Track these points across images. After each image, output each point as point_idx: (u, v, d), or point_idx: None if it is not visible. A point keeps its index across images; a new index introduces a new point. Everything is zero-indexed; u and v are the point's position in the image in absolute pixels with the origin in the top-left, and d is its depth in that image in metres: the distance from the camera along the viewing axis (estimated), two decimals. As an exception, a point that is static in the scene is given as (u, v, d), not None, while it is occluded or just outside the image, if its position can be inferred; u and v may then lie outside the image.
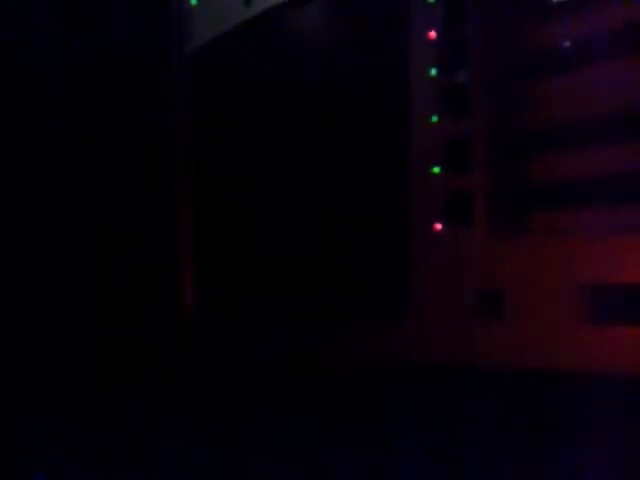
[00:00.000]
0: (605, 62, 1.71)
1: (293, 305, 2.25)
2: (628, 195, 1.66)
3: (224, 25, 2.41)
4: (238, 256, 2.47)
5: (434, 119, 1.89)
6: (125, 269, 2.69)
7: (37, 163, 2.64)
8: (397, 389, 1.96)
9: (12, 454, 2.15)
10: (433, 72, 1.89)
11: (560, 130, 1.77)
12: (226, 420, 2.24)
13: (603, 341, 1.64)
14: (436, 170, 1.89)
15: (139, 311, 2.64)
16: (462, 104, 1.85)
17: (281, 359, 2.24)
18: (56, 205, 2.67)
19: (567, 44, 1.77)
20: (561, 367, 1.69)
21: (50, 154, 2.66)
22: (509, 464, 1.76)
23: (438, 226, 1.88)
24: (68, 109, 2.66)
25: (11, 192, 2.63)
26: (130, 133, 2.68)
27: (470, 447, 1.84)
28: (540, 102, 1.80)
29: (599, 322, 1.65)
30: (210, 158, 2.58)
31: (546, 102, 1.79)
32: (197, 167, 2.63)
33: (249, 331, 2.39)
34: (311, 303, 2.20)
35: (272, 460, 2.02)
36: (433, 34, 1.89)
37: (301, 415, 2.13)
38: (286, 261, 2.29)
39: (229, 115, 2.51)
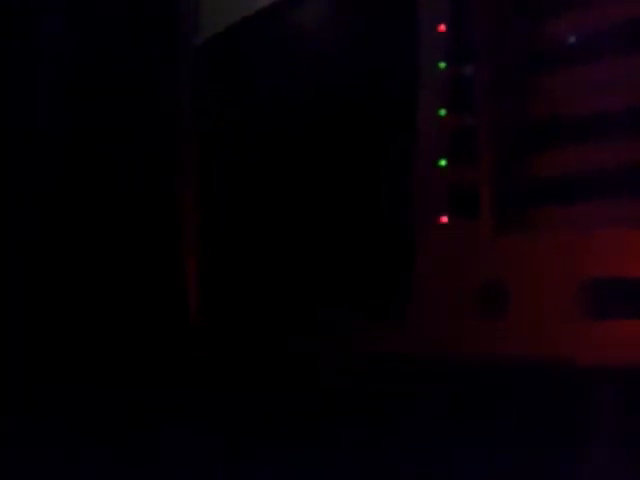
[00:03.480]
0: (609, 58, 1.71)
1: (296, 304, 2.26)
2: (633, 189, 1.67)
3: (233, 17, 2.42)
4: (242, 257, 2.47)
5: (442, 113, 1.90)
6: (129, 272, 2.68)
7: (35, 161, 2.64)
8: (400, 386, 1.96)
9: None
10: (442, 65, 1.90)
11: (565, 125, 1.77)
12: (226, 424, 2.24)
13: (605, 335, 1.64)
14: (442, 163, 1.89)
15: (143, 315, 2.63)
16: (469, 98, 1.86)
17: (284, 361, 2.24)
18: (55, 206, 2.66)
19: (572, 39, 1.78)
20: (564, 361, 1.68)
21: (50, 152, 2.65)
22: (510, 459, 1.76)
23: (443, 219, 1.89)
24: (71, 104, 2.66)
25: (11, 193, 2.63)
26: (134, 130, 2.68)
27: (472, 442, 1.84)
28: (546, 97, 1.80)
29: (602, 316, 1.65)
30: (216, 156, 2.58)
31: (552, 97, 1.79)
32: (203, 167, 2.62)
33: (253, 334, 2.39)
34: (313, 301, 2.20)
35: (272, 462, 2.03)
36: (443, 27, 1.90)
37: (303, 416, 2.13)
38: (290, 259, 2.29)
39: (236, 109, 2.51)
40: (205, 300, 2.60)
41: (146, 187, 2.69)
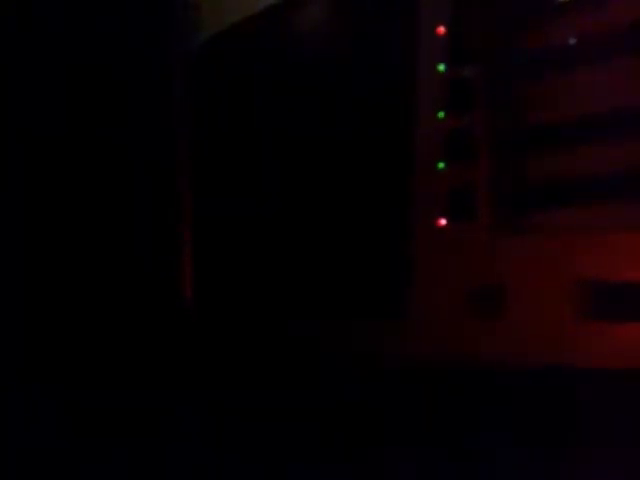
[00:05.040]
0: (610, 59, 1.72)
1: (293, 300, 2.26)
2: (631, 192, 1.67)
3: (232, 17, 2.42)
4: (238, 249, 2.47)
5: (440, 115, 1.90)
6: (122, 261, 2.67)
7: (31, 155, 2.63)
8: (397, 388, 1.97)
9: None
10: (441, 68, 1.90)
11: (564, 127, 1.78)
12: (222, 416, 2.24)
13: (604, 337, 1.65)
14: (441, 165, 1.89)
15: (137, 304, 2.63)
16: (468, 100, 1.86)
17: (280, 354, 2.24)
18: (50, 194, 2.65)
19: (571, 42, 1.78)
20: (562, 363, 1.69)
21: (46, 141, 2.65)
22: (510, 461, 1.76)
23: (442, 221, 1.89)
24: (65, 102, 2.65)
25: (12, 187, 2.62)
26: (131, 128, 2.67)
27: (472, 444, 1.84)
28: (545, 99, 1.81)
29: (600, 318, 1.66)
30: (213, 148, 2.58)
31: (551, 99, 1.80)
32: (199, 160, 2.62)
33: (248, 326, 2.38)
34: (311, 299, 2.20)
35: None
36: (442, 29, 1.90)
37: (298, 412, 2.13)
38: (286, 256, 2.29)
39: (234, 108, 2.51)
40: (201, 289, 2.59)
41: (142, 178, 2.68)
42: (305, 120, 2.24)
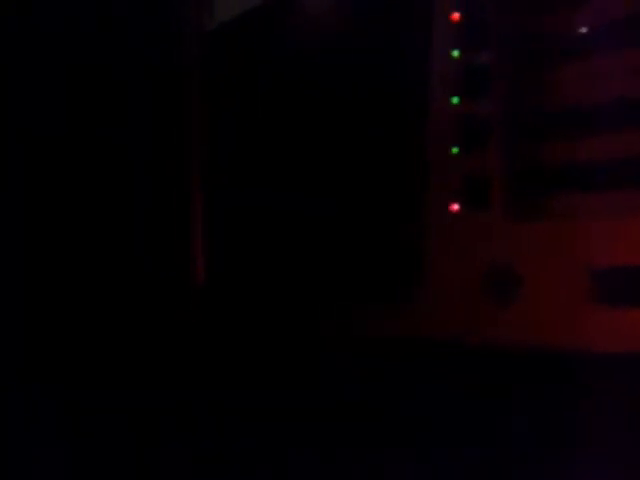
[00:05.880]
0: (623, 47, 1.72)
1: (303, 282, 2.26)
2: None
3: (246, 2, 2.41)
4: (249, 229, 2.46)
5: (455, 101, 1.90)
6: (126, 257, 2.68)
7: (31, 155, 2.63)
8: (409, 370, 1.97)
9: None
10: (456, 54, 1.91)
11: (578, 113, 1.78)
12: (226, 394, 2.25)
13: (617, 322, 1.65)
14: (455, 151, 1.90)
15: (148, 279, 2.63)
16: (483, 86, 1.87)
17: (288, 334, 2.25)
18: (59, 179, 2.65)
19: (586, 29, 1.79)
20: (575, 347, 1.69)
21: (53, 128, 2.65)
22: (520, 447, 1.77)
23: (456, 206, 1.90)
24: (66, 102, 2.65)
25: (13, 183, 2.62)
26: (140, 113, 2.67)
27: (479, 429, 1.85)
28: (559, 85, 1.81)
29: (614, 303, 1.66)
30: (224, 136, 2.57)
31: (565, 85, 1.80)
32: (211, 144, 2.61)
33: (258, 305, 2.39)
34: (322, 282, 2.20)
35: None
36: (456, 15, 1.90)
37: (304, 392, 2.14)
38: (297, 239, 2.29)
39: (245, 94, 2.50)
40: (210, 268, 2.59)
41: (152, 161, 2.69)
42: (317, 106, 2.24)
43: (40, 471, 2.12)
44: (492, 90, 1.85)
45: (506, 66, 1.86)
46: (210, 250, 2.57)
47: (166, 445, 2.20)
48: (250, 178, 2.44)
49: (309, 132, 2.26)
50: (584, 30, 1.79)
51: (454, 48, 1.91)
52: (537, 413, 1.77)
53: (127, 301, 2.60)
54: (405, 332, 1.95)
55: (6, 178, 2.58)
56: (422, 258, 1.93)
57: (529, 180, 1.84)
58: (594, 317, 1.69)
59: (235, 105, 2.51)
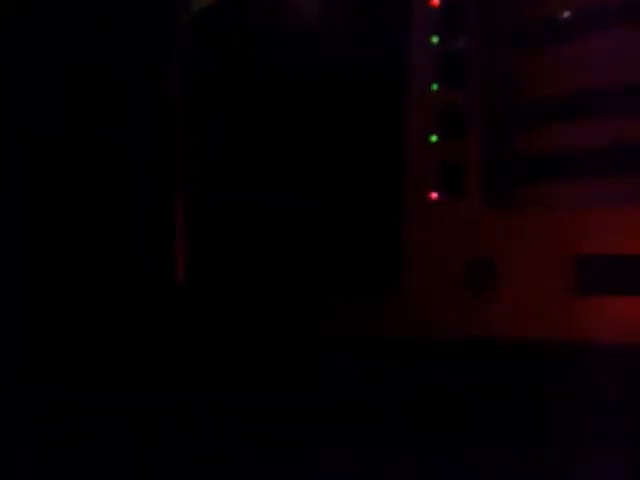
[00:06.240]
0: (598, 35, 1.71)
1: (284, 276, 2.24)
2: (618, 167, 1.67)
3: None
4: (231, 226, 2.46)
5: (434, 87, 1.88)
6: (120, 259, 2.68)
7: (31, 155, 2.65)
8: (388, 361, 1.95)
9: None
10: (435, 40, 1.88)
11: (553, 102, 1.77)
12: (226, 394, 2.24)
13: (590, 310, 1.64)
14: (433, 139, 1.87)
15: (131, 280, 2.64)
16: (462, 73, 1.85)
17: (271, 329, 2.24)
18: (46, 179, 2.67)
19: (563, 15, 1.77)
20: (550, 336, 1.68)
21: (48, 127, 2.66)
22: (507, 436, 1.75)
23: (433, 195, 1.87)
24: (65, 101, 2.66)
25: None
26: (127, 108, 2.67)
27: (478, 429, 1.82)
28: (535, 74, 1.80)
29: (587, 292, 1.65)
30: (208, 128, 2.56)
31: (541, 74, 1.79)
32: (195, 138, 2.61)
33: (239, 302, 2.38)
34: (302, 273, 2.19)
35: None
36: (436, 1, 1.88)
37: (291, 388, 2.13)
38: (278, 233, 2.28)
39: (228, 83, 2.49)
40: (192, 266, 2.59)
41: (138, 158, 2.69)
42: (298, 94, 2.22)
43: (40, 470, 2.12)
44: (471, 77, 1.84)
45: (483, 53, 1.83)
46: (199, 249, 2.57)
47: (166, 445, 2.19)
48: (233, 173, 2.43)
49: (290, 124, 2.24)
50: (561, 18, 1.77)
51: (433, 34, 1.88)
52: (527, 406, 1.74)
53: (124, 300, 2.61)
54: (389, 322, 1.94)
55: (6, 178, 2.59)
56: (401, 246, 1.92)
57: (506, 168, 1.82)
58: (574, 306, 1.67)
59: (218, 101, 2.51)
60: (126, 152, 2.68)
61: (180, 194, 2.59)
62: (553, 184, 1.74)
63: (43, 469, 2.09)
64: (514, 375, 1.76)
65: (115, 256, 2.66)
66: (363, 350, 2.00)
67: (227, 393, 2.25)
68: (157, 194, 2.65)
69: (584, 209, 1.66)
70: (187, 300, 2.55)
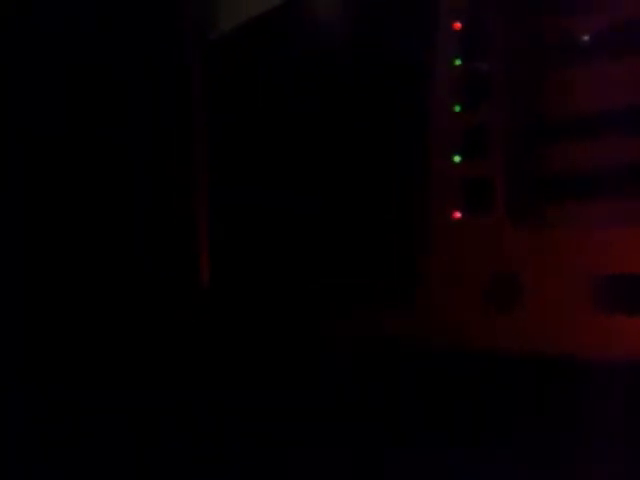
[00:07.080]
0: (624, 55, 1.74)
1: (306, 283, 2.27)
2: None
3: (248, 12, 2.42)
4: (253, 232, 2.47)
5: (456, 109, 1.92)
6: (129, 257, 2.68)
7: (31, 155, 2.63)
8: (411, 373, 1.98)
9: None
10: (457, 62, 1.92)
11: (579, 120, 1.80)
12: (227, 394, 2.26)
13: (616, 329, 1.67)
14: (457, 158, 1.91)
15: (155, 282, 2.63)
16: (484, 94, 1.88)
17: (291, 336, 2.26)
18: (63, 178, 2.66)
19: (586, 36, 1.80)
20: (574, 354, 1.70)
21: (60, 130, 2.65)
22: (516, 453, 1.79)
23: (457, 214, 1.91)
24: (66, 102, 2.64)
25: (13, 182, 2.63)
26: (147, 121, 2.67)
27: (478, 435, 1.86)
28: (559, 93, 1.82)
29: (614, 311, 1.67)
30: (228, 138, 2.57)
31: (566, 92, 1.82)
32: (214, 148, 2.62)
33: (261, 306, 2.39)
34: (324, 284, 2.21)
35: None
36: (458, 24, 1.92)
37: (306, 392, 2.15)
38: (301, 241, 2.30)
39: (247, 102, 2.51)
40: (216, 269, 2.59)
41: (155, 161, 2.69)
42: (320, 114, 2.24)
43: (40, 471, 2.12)
44: (493, 98, 1.86)
45: (507, 74, 1.87)
46: (214, 251, 2.57)
47: (166, 445, 2.20)
48: (255, 180, 2.44)
49: (315, 139, 2.27)
50: (584, 38, 1.81)
51: (456, 56, 1.92)
52: (536, 417, 1.78)
53: (129, 301, 2.60)
54: (405, 334, 1.97)
55: (6, 178, 2.58)
56: (425, 265, 1.95)
57: (530, 187, 1.85)
58: (595, 324, 1.70)
59: (239, 108, 2.51)
60: (147, 155, 2.67)
61: (201, 198, 2.59)
62: (578, 203, 1.77)
63: (43, 469, 2.10)
64: (525, 387, 1.80)
65: (119, 255, 2.65)
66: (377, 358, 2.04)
67: (227, 393, 2.27)
68: (178, 198, 2.65)
69: (610, 228, 1.68)
70: (205, 301, 2.56)
